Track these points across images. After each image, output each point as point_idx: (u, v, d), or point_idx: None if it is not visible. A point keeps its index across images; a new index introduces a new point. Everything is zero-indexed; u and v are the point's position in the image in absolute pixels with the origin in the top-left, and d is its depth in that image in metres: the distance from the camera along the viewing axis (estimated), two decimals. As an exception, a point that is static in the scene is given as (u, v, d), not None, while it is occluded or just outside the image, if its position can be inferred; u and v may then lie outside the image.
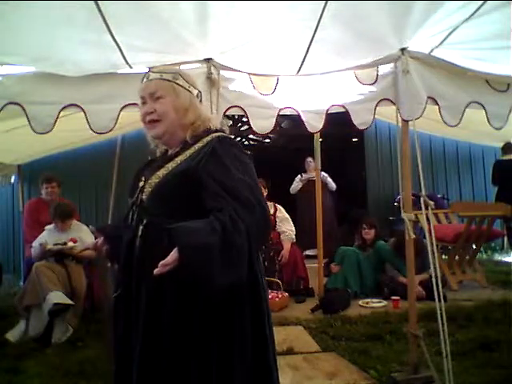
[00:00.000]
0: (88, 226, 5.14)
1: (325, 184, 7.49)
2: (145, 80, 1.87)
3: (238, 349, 1.66)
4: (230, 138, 1.81)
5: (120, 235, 1.83)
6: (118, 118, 3.04)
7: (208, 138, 1.77)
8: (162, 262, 1.42)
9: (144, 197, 1.76)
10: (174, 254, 1.42)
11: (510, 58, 3.13)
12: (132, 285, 1.73)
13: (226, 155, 1.68)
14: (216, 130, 1.82)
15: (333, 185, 7.85)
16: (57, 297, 4.24)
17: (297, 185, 7.93)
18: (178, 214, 1.62)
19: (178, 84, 1.84)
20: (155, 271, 1.42)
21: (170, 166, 1.76)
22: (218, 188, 1.60)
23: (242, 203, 1.56)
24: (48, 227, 4.88)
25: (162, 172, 1.76)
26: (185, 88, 1.85)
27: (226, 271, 1.47)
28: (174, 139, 1.86)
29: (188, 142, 1.81)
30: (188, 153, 1.77)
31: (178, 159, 1.77)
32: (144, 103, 1.85)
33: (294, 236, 5.88)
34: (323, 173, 6.94)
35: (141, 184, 1.82)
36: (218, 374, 1.62)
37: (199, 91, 1.93)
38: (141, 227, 1.74)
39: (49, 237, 4.78)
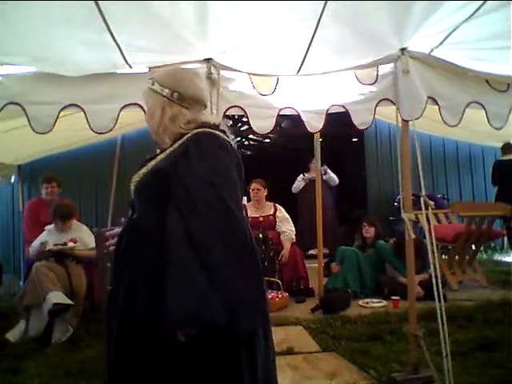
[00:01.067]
0: (88, 226, 5.16)
1: (326, 181, 7.49)
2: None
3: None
4: (209, 134, 1.75)
5: None
6: (117, 118, 3.04)
7: (188, 136, 1.75)
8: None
9: (131, 195, 1.85)
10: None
11: (510, 58, 3.12)
12: (118, 282, 1.78)
13: (197, 154, 1.66)
14: (201, 126, 1.77)
15: (334, 178, 7.83)
16: (57, 297, 4.25)
17: (299, 184, 7.94)
18: (157, 212, 1.66)
19: (152, 89, 1.87)
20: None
21: (151, 164, 1.81)
22: (181, 190, 1.60)
23: (196, 208, 1.54)
24: (48, 227, 4.88)
25: (143, 170, 1.82)
26: (157, 92, 1.85)
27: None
28: (162, 141, 1.87)
29: (167, 143, 1.84)
30: (168, 151, 1.78)
31: (159, 157, 1.80)
32: None
33: (293, 236, 5.88)
34: (324, 166, 6.96)
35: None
36: None
37: (176, 91, 1.84)
38: (130, 223, 1.82)
39: (49, 237, 4.79)
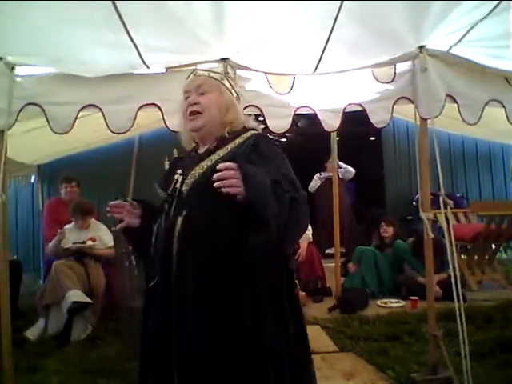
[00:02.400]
0: (106, 226, 5.20)
1: (343, 179, 7.43)
2: (191, 76, 1.98)
3: (283, 327, 1.74)
4: (268, 135, 1.91)
5: (154, 212, 1.90)
6: (135, 118, 3.06)
7: (247, 134, 1.86)
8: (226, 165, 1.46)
9: (185, 188, 1.79)
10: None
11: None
12: (171, 276, 1.74)
13: (268, 150, 1.78)
14: (252, 129, 1.92)
15: (349, 169, 7.74)
16: (76, 295, 4.29)
17: (315, 183, 7.90)
18: (218, 207, 1.65)
19: (223, 84, 1.95)
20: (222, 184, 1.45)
21: (213, 158, 1.80)
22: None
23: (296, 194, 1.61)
24: (67, 226, 4.93)
25: (205, 164, 1.80)
26: (228, 89, 1.96)
27: (275, 209, 1.50)
28: (210, 134, 1.91)
29: (226, 137, 1.87)
30: (229, 147, 1.83)
31: (220, 152, 1.82)
32: (188, 97, 1.93)
33: (310, 235, 5.86)
34: (340, 163, 6.91)
35: (176, 177, 1.86)
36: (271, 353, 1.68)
37: (238, 95, 2.03)
38: (180, 218, 1.76)
39: (68, 235, 4.83)
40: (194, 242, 1.72)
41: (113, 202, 1.88)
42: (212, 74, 1.96)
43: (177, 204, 1.80)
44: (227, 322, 1.66)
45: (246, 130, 1.90)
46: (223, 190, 1.46)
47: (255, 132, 1.89)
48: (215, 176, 1.46)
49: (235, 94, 2.00)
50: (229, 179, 1.45)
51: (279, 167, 1.72)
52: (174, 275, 1.74)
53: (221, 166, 1.47)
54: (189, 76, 2.00)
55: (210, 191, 1.61)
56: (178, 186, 1.83)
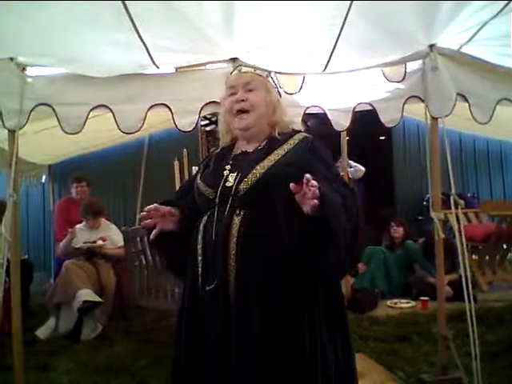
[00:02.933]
0: (116, 226, 5.22)
1: (353, 178, 7.37)
2: (236, 72, 1.96)
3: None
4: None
5: (188, 214, 1.86)
6: (145, 118, 3.07)
7: (299, 137, 1.86)
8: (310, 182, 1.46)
9: (244, 187, 1.73)
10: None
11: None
12: (229, 277, 1.70)
13: (323, 153, 1.81)
14: (299, 130, 1.93)
15: (359, 167, 7.62)
16: (86, 295, 4.32)
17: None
18: (278, 205, 1.66)
19: (269, 82, 1.94)
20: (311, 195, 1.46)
21: (272, 159, 1.77)
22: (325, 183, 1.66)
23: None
24: (78, 226, 4.96)
25: (265, 164, 1.76)
26: (273, 88, 1.95)
27: (345, 230, 1.58)
28: (259, 133, 1.88)
29: (277, 138, 1.85)
30: (285, 147, 1.81)
31: (279, 152, 1.80)
32: (233, 93, 1.87)
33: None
34: (350, 162, 6.87)
35: (225, 174, 1.80)
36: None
37: (280, 95, 2.01)
38: (238, 218, 1.72)
39: (79, 235, 4.86)
40: (255, 243, 1.68)
41: (151, 206, 1.78)
42: (258, 72, 1.93)
43: (232, 203, 1.74)
44: (288, 333, 1.66)
45: (295, 131, 1.90)
46: (303, 202, 1.48)
47: (306, 134, 1.88)
48: (292, 186, 1.48)
49: (279, 94, 1.98)
50: (312, 194, 1.45)
51: (334, 169, 1.79)
52: (233, 277, 1.69)
53: (306, 178, 1.45)
54: (232, 71, 1.98)
55: (271, 192, 1.66)
56: (231, 184, 1.76)
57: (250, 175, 1.74)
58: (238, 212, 1.73)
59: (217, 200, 1.77)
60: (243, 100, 1.83)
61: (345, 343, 1.82)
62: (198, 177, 1.91)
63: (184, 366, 1.79)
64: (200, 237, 1.79)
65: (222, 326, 1.69)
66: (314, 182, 1.45)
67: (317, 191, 1.45)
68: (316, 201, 1.45)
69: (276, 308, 1.66)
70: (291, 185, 1.48)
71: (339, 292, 1.88)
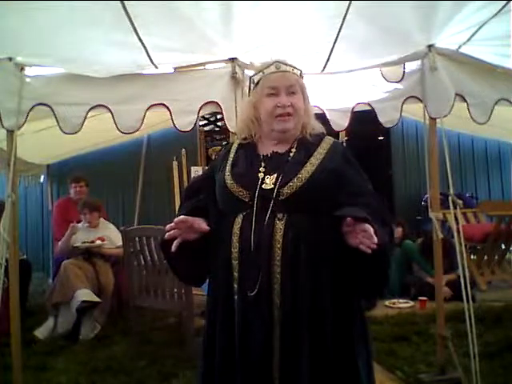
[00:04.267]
0: (115, 225, 5.22)
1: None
2: (273, 69, 1.82)
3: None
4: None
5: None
6: (144, 118, 3.07)
7: (330, 141, 1.84)
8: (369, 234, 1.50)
9: (287, 191, 1.67)
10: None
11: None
12: (274, 284, 1.66)
13: (354, 161, 1.83)
14: (327, 134, 1.89)
15: None
16: (85, 294, 4.31)
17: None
18: (319, 211, 1.68)
19: (303, 83, 1.88)
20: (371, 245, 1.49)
21: (314, 162, 1.74)
22: (358, 189, 1.73)
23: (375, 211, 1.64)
24: (72, 224, 4.94)
25: (309, 169, 1.71)
26: (305, 88, 1.88)
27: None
28: (293, 136, 1.83)
29: (307, 140, 1.82)
30: (321, 151, 1.78)
31: (317, 156, 1.76)
32: (274, 94, 1.79)
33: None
34: None
35: (261, 175, 1.74)
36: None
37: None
38: (281, 222, 1.67)
39: (78, 234, 4.86)
40: (302, 249, 1.65)
41: (179, 218, 1.70)
42: (296, 71, 1.85)
43: (273, 207, 1.68)
44: (336, 345, 1.67)
45: (324, 134, 1.88)
46: (361, 247, 1.51)
47: (334, 139, 1.87)
48: (349, 222, 1.52)
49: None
50: (367, 244, 1.50)
51: (365, 175, 1.80)
52: (278, 284, 1.65)
53: (365, 227, 1.50)
54: (264, 68, 1.84)
55: (316, 198, 1.67)
56: (270, 186, 1.70)
57: (296, 179, 1.68)
58: (279, 216, 1.68)
59: (254, 202, 1.70)
60: (289, 105, 1.77)
61: (369, 361, 1.82)
62: (226, 175, 1.78)
63: (219, 378, 1.71)
64: (235, 240, 1.70)
65: (266, 333, 1.64)
66: (375, 239, 1.49)
67: (373, 245, 1.49)
68: (370, 250, 1.49)
69: (325, 323, 1.67)
70: (348, 220, 1.53)
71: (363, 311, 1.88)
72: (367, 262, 1.57)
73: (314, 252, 1.66)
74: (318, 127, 1.89)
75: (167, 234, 1.70)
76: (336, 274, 1.68)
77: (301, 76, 1.86)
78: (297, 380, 1.61)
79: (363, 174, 1.80)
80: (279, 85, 1.78)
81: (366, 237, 1.49)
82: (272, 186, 1.69)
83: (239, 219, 1.71)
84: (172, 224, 1.69)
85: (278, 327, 1.64)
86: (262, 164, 1.77)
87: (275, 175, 1.71)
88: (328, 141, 1.84)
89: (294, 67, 1.84)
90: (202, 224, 1.73)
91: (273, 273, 1.65)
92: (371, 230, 1.49)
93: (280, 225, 1.66)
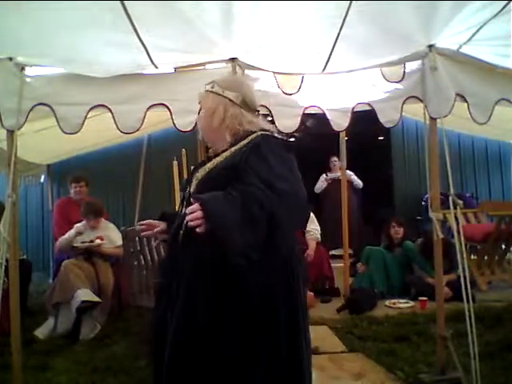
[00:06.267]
0: (115, 225, 5.22)
1: (350, 183, 7.40)
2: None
3: (266, 337, 1.80)
4: (276, 137, 1.92)
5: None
6: (144, 118, 3.07)
7: (253, 136, 1.89)
8: (189, 209, 1.60)
9: (191, 190, 1.92)
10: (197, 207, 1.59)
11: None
12: (177, 271, 1.87)
13: (268, 151, 1.80)
14: (262, 129, 1.94)
15: (359, 182, 7.74)
16: (85, 294, 4.31)
17: (321, 184, 7.85)
18: None
19: (212, 92, 2.01)
20: (189, 224, 1.60)
21: (217, 160, 1.90)
22: (255, 179, 1.71)
23: (273, 191, 1.66)
24: (77, 225, 4.96)
25: (208, 166, 1.92)
26: (218, 93, 1.99)
27: (243, 231, 1.59)
28: (215, 142, 2.03)
29: (237, 141, 1.92)
30: (233, 149, 1.89)
31: (224, 155, 1.90)
32: None
33: (319, 235, 5.85)
34: (348, 171, 6.88)
35: (194, 179, 1.96)
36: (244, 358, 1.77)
37: (239, 93, 2.01)
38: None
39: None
40: (190, 237, 1.77)
41: (143, 222, 2.09)
42: (207, 86, 2.04)
43: (186, 205, 1.89)
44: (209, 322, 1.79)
45: (252, 132, 1.92)
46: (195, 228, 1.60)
47: (261, 132, 1.90)
48: (186, 218, 1.61)
49: (232, 94, 1.99)
50: (195, 220, 1.58)
51: (273, 167, 1.74)
52: (176, 275, 1.87)
53: (188, 209, 1.61)
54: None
55: (212, 188, 1.74)
56: (189, 187, 1.96)
57: (194, 178, 1.95)
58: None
59: (182, 202, 2.03)
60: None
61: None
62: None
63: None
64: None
65: (162, 312, 1.95)
66: (193, 207, 1.59)
67: (190, 223, 1.58)
68: (202, 226, 1.58)
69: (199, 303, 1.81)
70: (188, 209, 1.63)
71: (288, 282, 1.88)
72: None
73: (195, 245, 1.78)
74: (253, 126, 1.95)
75: (142, 233, 2.14)
76: (219, 269, 1.77)
77: (212, 87, 2.01)
78: None
79: (274, 169, 1.75)
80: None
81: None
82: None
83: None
84: (143, 226, 2.09)
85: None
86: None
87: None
88: (251, 137, 1.89)
89: (214, 84, 2.01)
90: (160, 227, 2.07)
91: (176, 265, 1.89)
92: (192, 208, 1.60)
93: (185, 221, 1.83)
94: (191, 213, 1.58)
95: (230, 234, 1.59)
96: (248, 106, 2.01)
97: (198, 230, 1.58)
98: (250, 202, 1.61)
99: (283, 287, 1.83)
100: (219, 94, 1.98)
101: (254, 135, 1.89)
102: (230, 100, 1.97)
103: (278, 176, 1.71)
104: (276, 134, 1.96)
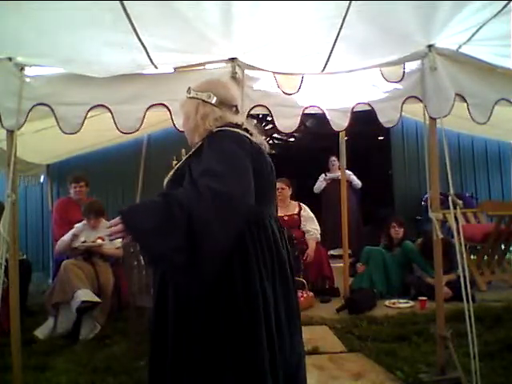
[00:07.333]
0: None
1: (350, 183, 7.40)
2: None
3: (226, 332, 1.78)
4: (225, 130, 1.88)
5: None
6: (144, 118, 3.07)
7: (208, 134, 1.91)
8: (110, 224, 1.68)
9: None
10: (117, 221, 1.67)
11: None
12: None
13: (209, 147, 1.80)
14: (227, 125, 1.91)
15: (358, 182, 7.73)
16: (85, 294, 4.31)
17: (320, 184, 7.84)
18: None
19: (188, 97, 2.06)
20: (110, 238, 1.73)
21: (180, 165, 1.98)
22: (188, 178, 1.80)
23: (197, 189, 1.64)
24: (77, 225, 4.95)
25: (175, 168, 1.99)
26: (193, 97, 2.03)
27: (162, 235, 1.60)
28: (192, 140, 2.02)
29: (199, 142, 1.95)
30: (194, 149, 1.94)
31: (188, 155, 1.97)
32: None
33: (318, 235, 5.84)
34: (347, 171, 6.89)
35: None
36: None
37: (210, 92, 2.01)
38: None
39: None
40: None
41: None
42: (186, 94, 2.08)
43: None
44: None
45: (211, 132, 1.92)
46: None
47: (218, 129, 1.90)
48: (109, 232, 1.68)
49: (205, 94, 2.01)
50: (115, 234, 1.66)
51: (205, 164, 1.73)
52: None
53: (108, 223, 1.70)
54: None
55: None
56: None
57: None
58: None
59: None
60: None
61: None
62: None
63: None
64: None
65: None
66: (114, 221, 1.68)
67: (120, 228, 1.67)
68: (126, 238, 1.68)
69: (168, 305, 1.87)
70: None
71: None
72: None
73: None
74: (219, 122, 1.95)
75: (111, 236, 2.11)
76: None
77: (189, 92, 2.06)
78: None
79: (207, 157, 1.76)
80: None
81: None
82: None
83: None
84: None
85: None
86: None
87: None
88: (205, 136, 1.91)
89: (190, 89, 2.06)
90: None
91: None
92: (111, 222, 1.69)
93: None
94: (113, 226, 1.65)
95: (146, 241, 1.65)
96: (224, 103, 2.01)
97: (124, 240, 1.67)
98: (172, 204, 1.61)
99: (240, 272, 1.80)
100: (193, 97, 2.02)
101: (209, 133, 1.90)
102: (203, 100, 2.00)
103: (206, 172, 1.68)
104: (236, 129, 1.89)
